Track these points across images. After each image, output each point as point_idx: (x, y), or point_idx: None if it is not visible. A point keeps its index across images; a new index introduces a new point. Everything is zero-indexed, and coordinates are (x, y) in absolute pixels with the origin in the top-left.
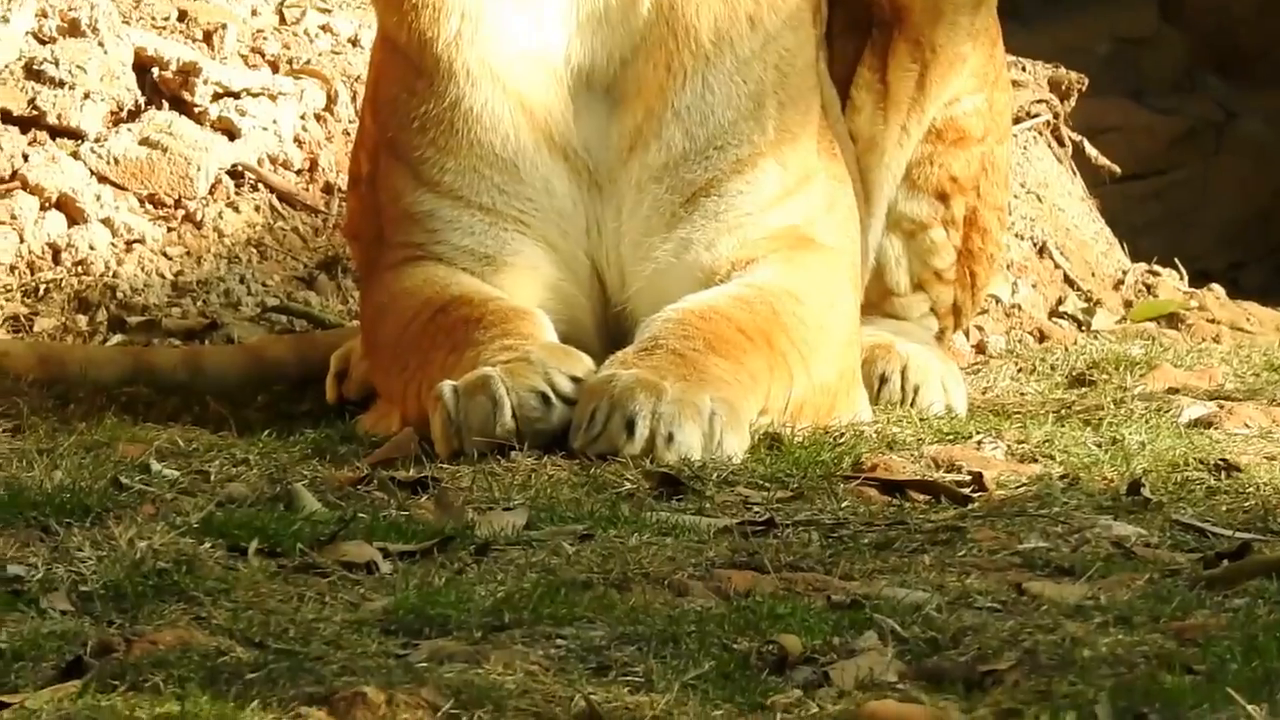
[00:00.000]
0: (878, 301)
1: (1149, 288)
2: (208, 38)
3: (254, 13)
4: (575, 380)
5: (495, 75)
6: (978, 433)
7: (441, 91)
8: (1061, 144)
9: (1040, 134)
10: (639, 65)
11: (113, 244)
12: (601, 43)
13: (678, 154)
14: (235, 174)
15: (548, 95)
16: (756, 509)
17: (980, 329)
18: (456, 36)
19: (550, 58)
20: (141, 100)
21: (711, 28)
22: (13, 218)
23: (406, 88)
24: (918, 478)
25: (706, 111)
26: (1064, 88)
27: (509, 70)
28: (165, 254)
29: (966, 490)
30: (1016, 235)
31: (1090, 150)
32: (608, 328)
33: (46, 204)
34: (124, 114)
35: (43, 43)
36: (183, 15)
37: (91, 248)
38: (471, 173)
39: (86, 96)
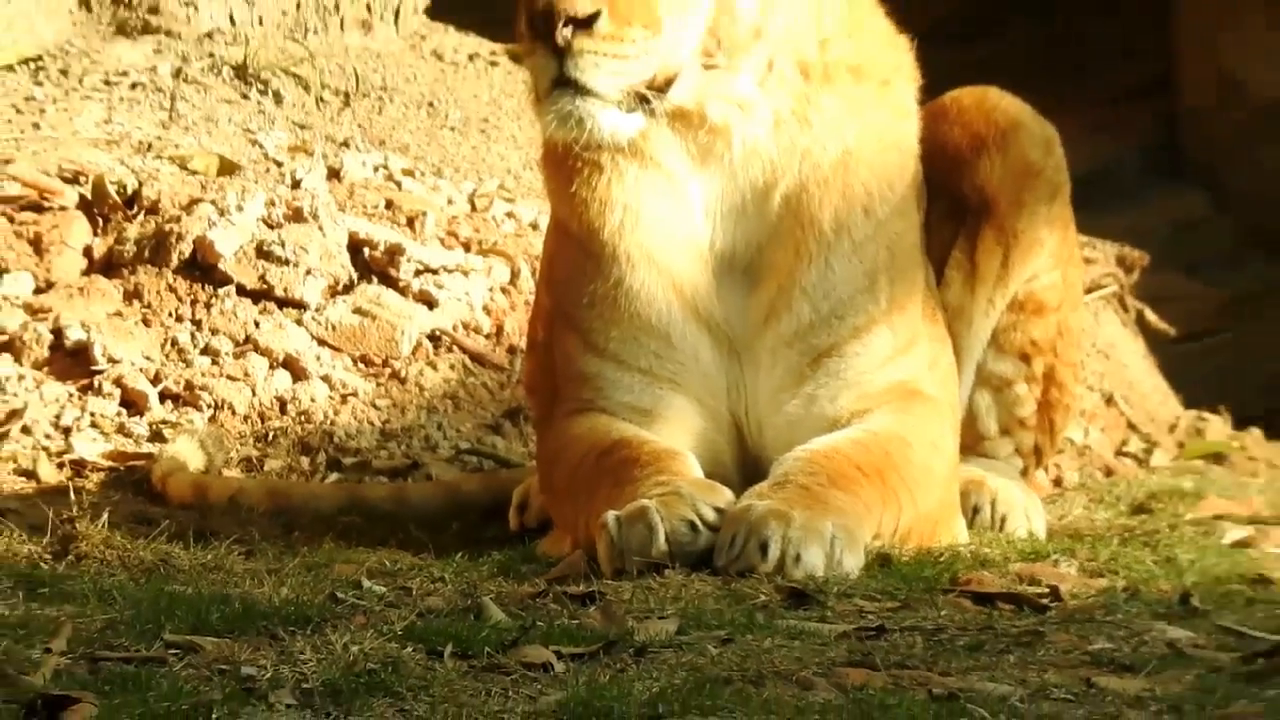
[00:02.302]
0: (971, 444)
1: (1199, 431)
2: (410, 223)
3: (449, 202)
4: (718, 510)
5: (651, 259)
6: (1055, 552)
7: (607, 273)
8: (1126, 311)
9: (1109, 302)
10: (771, 250)
11: (330, 397)
12: (740, 232)
13: (805, 324)
14: (434, 338)
15: (695, 276)
16: (870, 617)
17: (1058, 466)
18: (620, 226)
19: (697, 244)
20: (354, 276)
21: (832, 217)
22: (246, 375)
23: (578, 268)
24: (1005, 590)
25: (829, 288)
26: (1129, 264)
27: (663, 255)
28: (374, 405)
29: (1045, 601)
30: (1088, 387)
31: (1150, 316)
32: (745, 466)
33: (275, 364)
34: (340, 287)
35: (271, 227)
36: (389, 204)
37: (313, 400)
38: (632, 341)
39: (308, 273)
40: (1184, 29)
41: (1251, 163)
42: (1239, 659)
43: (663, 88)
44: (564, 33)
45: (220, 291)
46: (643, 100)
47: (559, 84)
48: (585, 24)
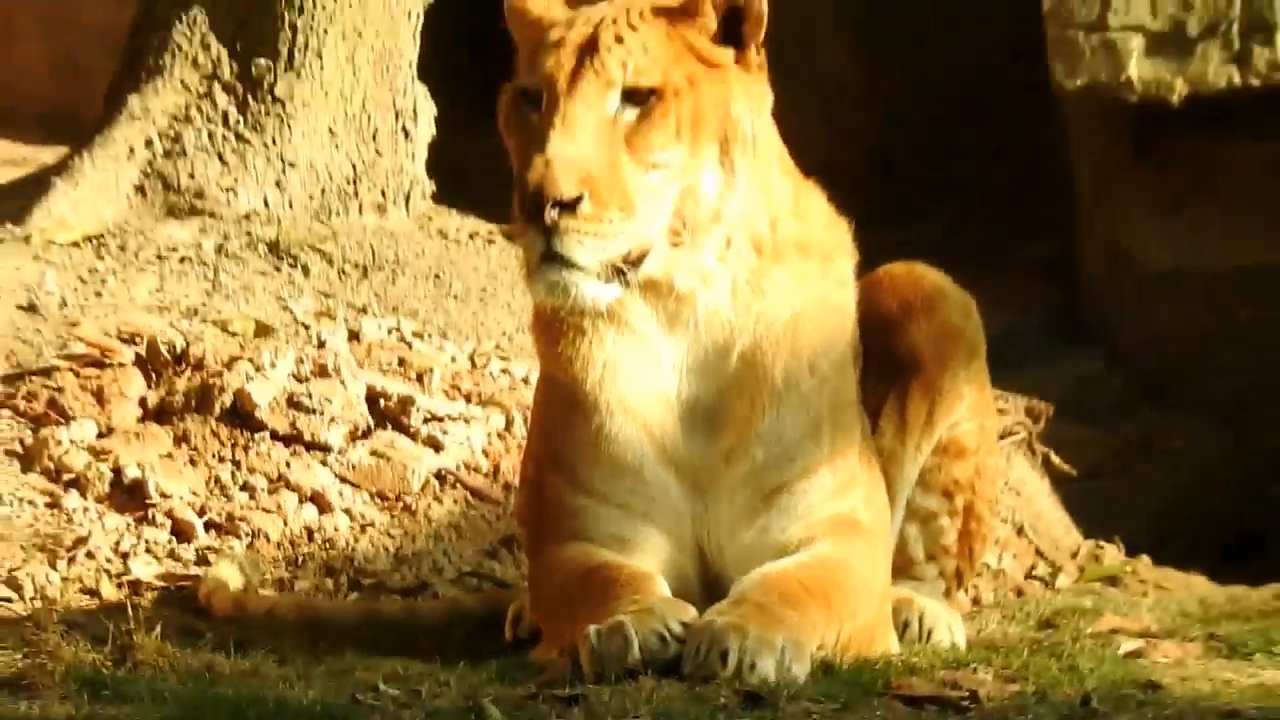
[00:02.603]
0: (902, 568)
1: (1096, 557)
2: (420, 378)
3: (453, 360)
4: (684, 624)
5: (628, 408)
6: (974, 661)
7: (589, 421)
8: (1034, 454)
9: (1019, 447)
10: (730, 401)
11: (351, 527)
12: (703, 385)
13: (759, 465)
14: (440, 476)
15: (664, 422)
16: (815, 717)
17: (976, 587)
18: (600, 380)
19: (666, 395)
20: (371, 423)
21: (782, 372)
22: (279, 508)
23: (564, 417)
24: (931, 694)
25: (780, 434)
26: (1035, 414)
27: (637, 405)
28: (389, 534)
29: (966, 703)
30: (1002, 520)
31: (1054, 458)
32: (707, 586)
33: (303, 498)
34: (359, 433)
35: (300, 381)
36: (401, 361)
37: (336, 529)
38: (611, 480)
39: (332, 421)
40: (1081, 212)
41: (1139, 326)
42: None
43: (636, 262)
44: (551, 214)
45: (256, 436)
46: (619, 272)
47: (547, 258)
48: (570, 207)
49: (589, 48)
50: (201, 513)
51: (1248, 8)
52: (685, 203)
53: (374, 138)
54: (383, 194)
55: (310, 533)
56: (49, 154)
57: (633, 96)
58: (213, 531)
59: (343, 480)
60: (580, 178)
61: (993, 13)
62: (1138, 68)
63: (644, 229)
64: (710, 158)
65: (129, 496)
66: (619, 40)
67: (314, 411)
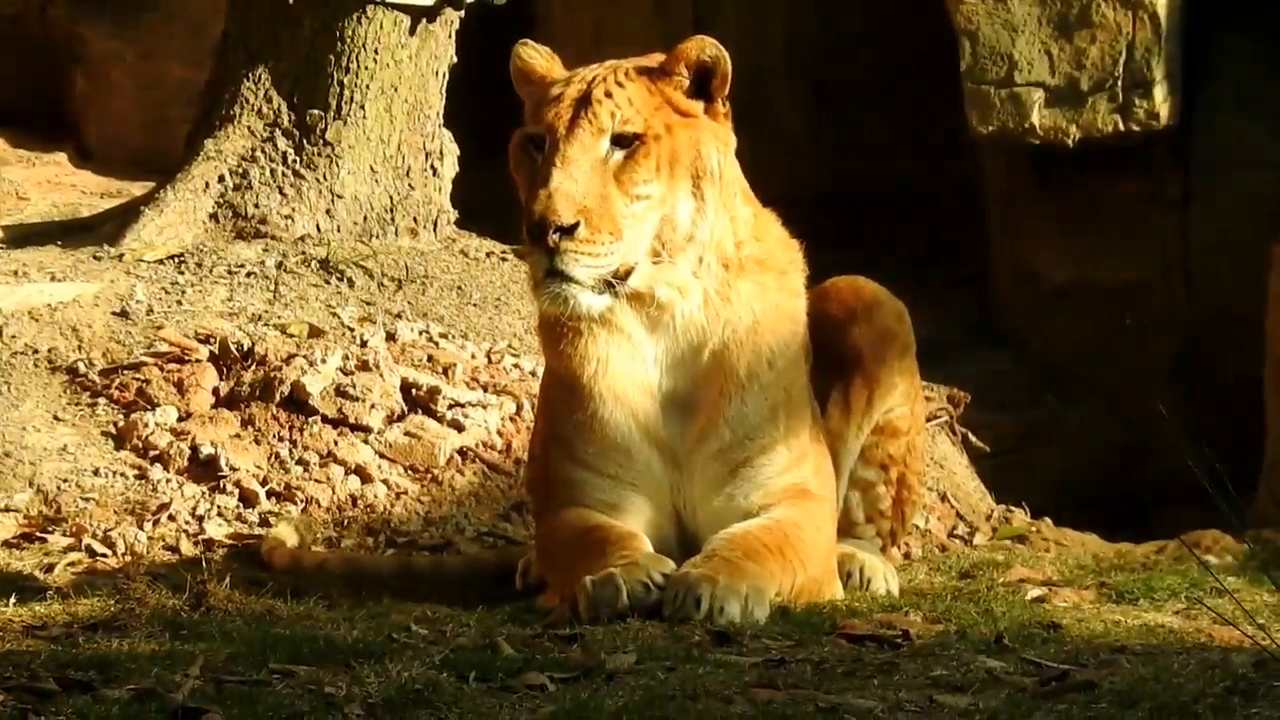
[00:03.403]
0: (845, 529)
1: (1007, 519)
2: (446, 371)
3: (473, 356)
4: (665, 575)
5: (617, 396)
6: (905, 606)
7: (585, 406)
8: (954, 434)
9: (942, 428)
10: (702, 391)
11: (389, 495)
12: (680, 378)
13: (726, 443)
14: (462, 452)
15: (647, 409)
16: (773, 652)
17: (907, 544)
18: (595, 374)
19: (649, 386)
20: (405, 408)
21: (745, 368)
22: (328, 479)
23: (565, 404)
24: (870, 632)
25: (743, 418)
26: (956, 401)
27: (625, 393)
28: (420, 501)
29: (899, 640)
30: (928, 488)
31: (972, 438)
32: (684, 544)
33: (348, 470)
34: (395, 416)
35: (346, 374)
36: (430, 358)
37: (375, 497)
38: (603, 456)
39: (372, 406)
40: (992, 237)
41: (1041, 331)
42: (1038, 682)
43: (624, 277)
44: (553, 237)
45: (310, 419)
46: (610, 285)
47: (550, 274)
48: (569, 231)
49: (584, 101)
50: (264, 483)
51: (1129, 67)
52: (664, 228)
53: (407, 174)
54: (415, 220)
55: (354, 499)
56: (139, 187)
57: (620, 141)
58: (273, 499)
59: (381, 456)
60: (577, 208)
61: (919, 72)
62: (1039, 117)
63: (630, 250)
64: (684, 190)
65: (204, 469)
66: (609, 95)
67: (357, 399)
